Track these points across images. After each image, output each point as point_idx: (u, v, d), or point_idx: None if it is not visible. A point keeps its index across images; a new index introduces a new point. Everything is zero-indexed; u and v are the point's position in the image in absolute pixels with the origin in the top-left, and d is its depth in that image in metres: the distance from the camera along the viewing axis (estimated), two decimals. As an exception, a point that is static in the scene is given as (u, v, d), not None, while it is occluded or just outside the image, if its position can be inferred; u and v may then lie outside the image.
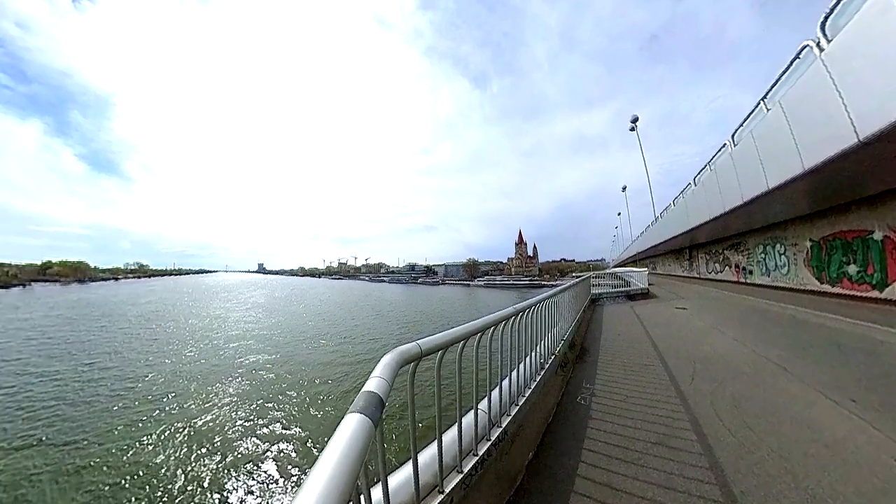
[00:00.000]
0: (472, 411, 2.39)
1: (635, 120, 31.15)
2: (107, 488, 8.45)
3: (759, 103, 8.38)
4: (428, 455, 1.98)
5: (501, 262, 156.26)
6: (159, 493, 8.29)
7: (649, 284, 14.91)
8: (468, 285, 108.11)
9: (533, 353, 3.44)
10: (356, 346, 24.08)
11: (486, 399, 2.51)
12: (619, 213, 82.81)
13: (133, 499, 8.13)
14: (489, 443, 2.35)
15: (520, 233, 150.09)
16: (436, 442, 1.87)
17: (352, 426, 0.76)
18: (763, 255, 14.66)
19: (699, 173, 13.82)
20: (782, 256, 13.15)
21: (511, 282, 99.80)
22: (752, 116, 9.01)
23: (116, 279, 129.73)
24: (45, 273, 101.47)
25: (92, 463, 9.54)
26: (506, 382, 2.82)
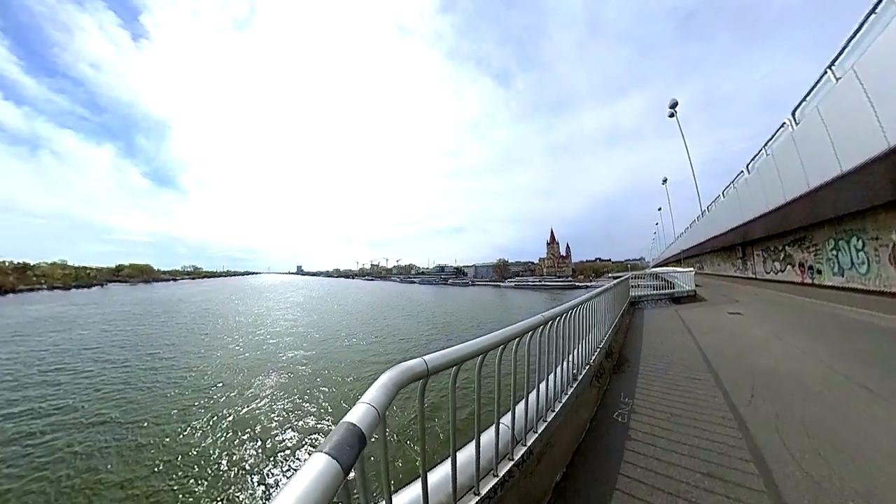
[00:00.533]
0: (493, 427, 2.21)
1: (674, 105, 28.69)
2: (161, 464, 9.31)
3: (825, 72, 7.22)
4: (441, 474, 1.83)
5: (532, 263, 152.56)
6: (207, 472, 9.00)
7: (696, 286, 13.68)
8: (498, 286, 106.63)
9: (565, 363, 3.17)
10: (386, 345, 24.57)
11: (509, 414, 2.31)
12: (660, 208, 77.45)
13: (183, 475, 8.87)
14: (511, 462, 2.15)
15: (552, 232, 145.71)
16: (449, 460, 1.72)
17: (314, 471, 0.62)
18: (835, 252, 12.87)
19: (753, 159, 12.40)
20: (860, 253, 11.44)
21: (543, 283, 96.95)
22: (816, 89, 7.83)
23: (175, 280, 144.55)
24: (118, 275, 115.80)
25: (151, 441, 10.62)
26: (532, 395, 2.59)
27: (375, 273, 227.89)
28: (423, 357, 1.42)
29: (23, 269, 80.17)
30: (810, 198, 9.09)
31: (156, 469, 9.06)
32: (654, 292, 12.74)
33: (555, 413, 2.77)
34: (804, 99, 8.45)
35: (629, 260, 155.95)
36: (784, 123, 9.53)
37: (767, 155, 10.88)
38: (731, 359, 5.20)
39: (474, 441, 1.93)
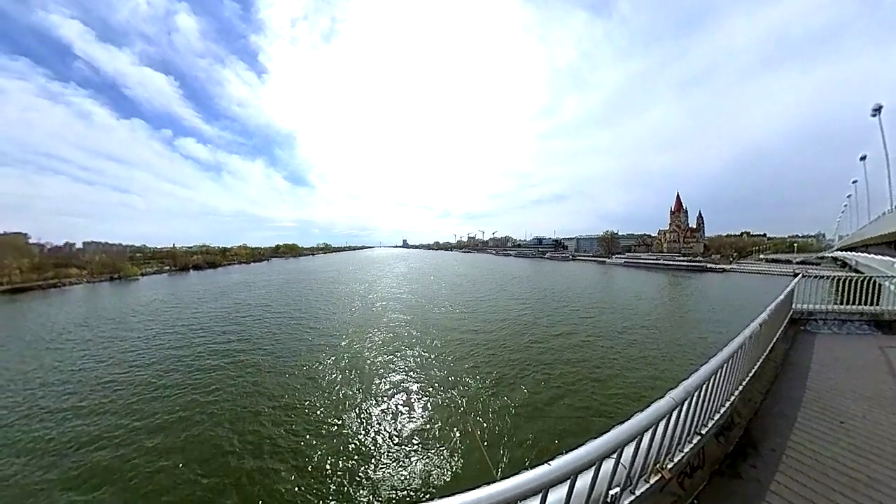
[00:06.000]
0: None
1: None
2: (295, 391, 13.34)
3: None
4: None
5: (649, 236, 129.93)
6: (325, 400, 12.53)
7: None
8: (603, 262, 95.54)
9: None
10: (476, 318, 25.06)
11: None
12: (864, 157, 54.31)
13: (306, 397, 12.61)
14: None
15: (677, 197, 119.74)
16: None
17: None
18: None
19: None
20: None
21: (661, 261, 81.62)
22: None
23: (313, 255, 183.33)
24: (277, 252, 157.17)
25: (289, 371, 15.19)
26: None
27: (472, 245, 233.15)
28: None
29: (224, 251, 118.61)
30: None
31: (289, 398, 12.77)
32: (838, 307, 7.98)
33: None
34: None
35: (795, 237, 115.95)
36: None
37: None
38: None
39: None
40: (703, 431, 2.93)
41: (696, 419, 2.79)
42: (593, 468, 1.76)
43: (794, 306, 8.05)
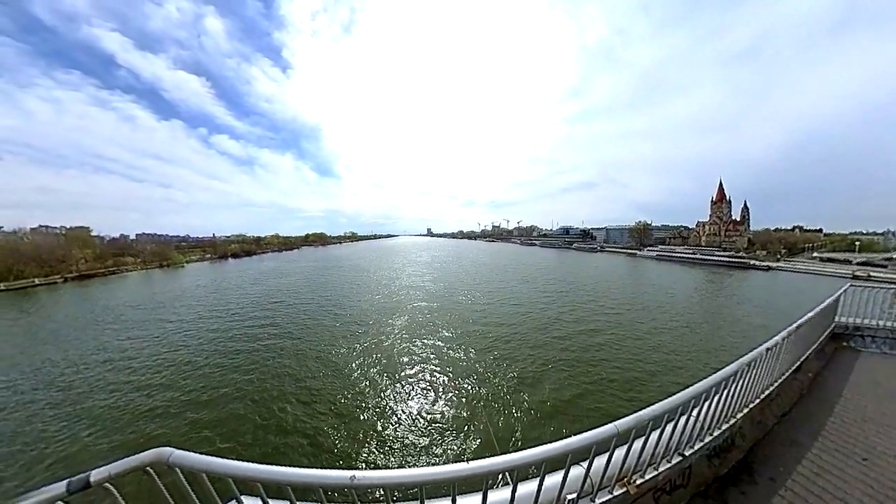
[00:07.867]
0: None
1: None
2: (320, 373, 14.30)
3: None
4: None
5: (686, 228, 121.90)
6: (347, 383, 13.40)
7: None
8: (634, 255, 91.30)
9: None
10: (498, 310, 25.16)
11: None
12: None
13: (330, 379, 13.60)
14: None
15: (720, 185, 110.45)
16: None
17: None
18: None
19: None
20: None
21: (699, 255, 76.63)
22: None
23: (341, 243, 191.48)
24: (306, 240, 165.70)
25: (315, 354, 16.39)
26: None
27: (496, 235, 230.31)
28: None
29: (258, 240, 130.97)
30: None
31: (316, 372, 14.28)
32: (893, 324, 6.77)
33: None
34: None
35: (858, 233, 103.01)
36: None
37: None
38: None
39: None
40: (687, 453, 2.88)
41: (676, 440, 2.76)
42: (539, 477, 1.93)
43: (837, 319, 7.39)
